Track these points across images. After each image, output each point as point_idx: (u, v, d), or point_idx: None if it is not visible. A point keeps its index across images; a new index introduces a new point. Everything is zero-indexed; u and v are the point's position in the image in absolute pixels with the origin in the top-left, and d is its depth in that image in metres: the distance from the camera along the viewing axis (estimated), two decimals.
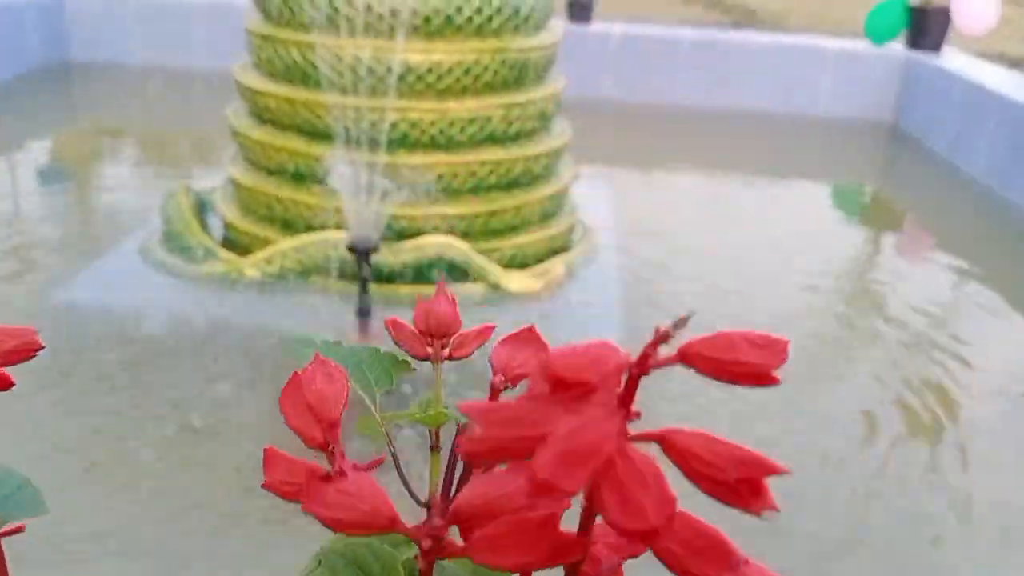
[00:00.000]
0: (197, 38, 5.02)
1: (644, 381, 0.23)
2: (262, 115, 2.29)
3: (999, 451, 1.86)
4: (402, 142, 2.16)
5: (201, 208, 2.48)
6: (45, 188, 3.14)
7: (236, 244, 2.35)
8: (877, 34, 4.93)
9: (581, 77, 4.54)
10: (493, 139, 2.25)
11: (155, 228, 2.46)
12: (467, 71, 2.16)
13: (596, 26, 4.90)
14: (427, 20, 2.10)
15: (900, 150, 4.50)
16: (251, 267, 2.16)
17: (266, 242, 2.23)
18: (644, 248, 2.77)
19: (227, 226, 2.39)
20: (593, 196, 3.07)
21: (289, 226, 2.24)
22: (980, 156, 3.76)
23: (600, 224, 2.81)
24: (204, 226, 2.40)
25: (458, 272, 2.18)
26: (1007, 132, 3.58)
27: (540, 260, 2.37)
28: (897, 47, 4.87)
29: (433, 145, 2.19)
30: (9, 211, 2.85)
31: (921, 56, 4.64)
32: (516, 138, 2.31)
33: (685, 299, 2.42)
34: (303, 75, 2.18)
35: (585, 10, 4.82)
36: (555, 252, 2.44)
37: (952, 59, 4.60)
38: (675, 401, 1.85)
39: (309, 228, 2.19)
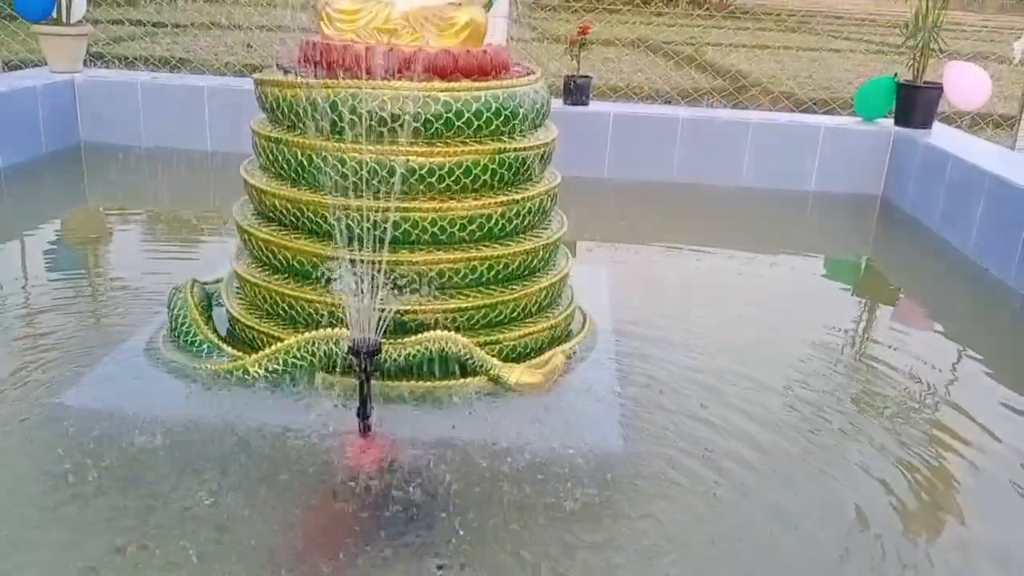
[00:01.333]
0: (203, 120, 5.15)
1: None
2: (268, 214, 2.35)
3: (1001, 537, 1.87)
4: (404, 240, 2.22)
5: (207, 302, 2.53)
6: (54, 274, 3.20)
7: (241, 339, 2.39)
8: (867, 110, 5.06)
9: (579, 157, 4.66)
10: (492, 235, 2.31)
11: (162, 320, 2.50)
12: (467, 172, 2.22)
13: (592, 107, 5.03)
14: (428, 124, 2.18)
15: (892, 225, 4.58)
16: (255, 365, 2.19)
17: (271, 338, 2.27)
18: (643, 329, 2.80)
19: (232, 321, 2.44)
20: (591, 278, 3.12)
21: (293, 322, 2.29)
22: (971, 234, 3.83)
23: (599, 307, 2.85)
24: (210, 320, 2.44)
25: (460, 366, 2.22)
26: (997, 212, 3.65)
27: (541, 351, 2.40)
28: (887, 123, 5.00)
29: (434, 243, 2.24)
30: (18, 300, 2.90)
31: (911, 132, 4.75)
32: (515, 233, 2.37)
33: (685, 383, 2.45)
34: (308, 176, 2.24)
35: (581, 93, 4.95)
36: (556, 341, 2.48)
37: (941, 136, 4.71)
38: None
39: (313, 324, 2.23)
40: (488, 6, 2.52)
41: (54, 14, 5.15)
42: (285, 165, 2.28)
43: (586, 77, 5.00)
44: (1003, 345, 3.07)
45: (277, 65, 2.38)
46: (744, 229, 4.39)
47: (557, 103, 4.92)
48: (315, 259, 2.23)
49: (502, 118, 2.26)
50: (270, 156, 2.33)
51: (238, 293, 2.47)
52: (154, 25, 10.33)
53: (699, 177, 4.98)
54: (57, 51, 5.18)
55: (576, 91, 4.94)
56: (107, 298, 3.01)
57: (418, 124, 2.16)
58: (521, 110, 2.30)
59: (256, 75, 2.38)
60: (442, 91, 2.18)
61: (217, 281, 2.69)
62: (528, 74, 2.42)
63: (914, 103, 4.79)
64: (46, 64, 5.31)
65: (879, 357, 2.82)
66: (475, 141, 2.24)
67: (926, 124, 4.81)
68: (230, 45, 9.11)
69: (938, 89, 4.80)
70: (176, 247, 3.76)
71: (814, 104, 6.19)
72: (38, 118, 4.82)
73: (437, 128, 2.19)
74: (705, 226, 4.43)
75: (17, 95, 4.66)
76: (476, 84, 2.23)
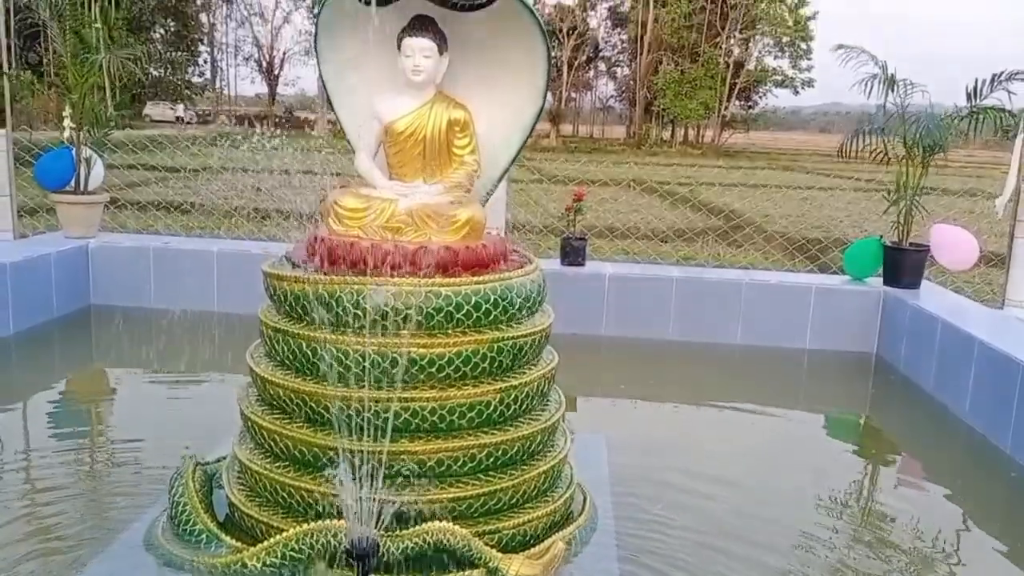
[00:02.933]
0: (212, 283, 5.28)
1: None
2: (272, 402, 2.40)
3: None
4: (404, 430, 2.25)
5: (208, 486, 2.54)
6: (54, 451, 3.21)
7: (240, 526, 2.38)
8: (856, 270, 5.21)
9: (578, 316, 4.75)
10: (491, 422, 2.35)
11: (161, 504, 2.50)
12: (466, 360, 2.29)
13: (589, 267, 5.18)
14: (429, 317, 2.26)
15: (887, 385, 4.61)
16: (253, 558, 2.18)
17: (269, 527, 2.26)
18: (646, 504, 2.80)
19: (231, 507, 2.44)
20: (591, 448, 3.12)
21: (293, 511, 2.29)
22: (965, 398, 3.86)
23: (599, 480, 2.83)
24: (210, 508, 2.44)
25: (459, 559, 2.20)
26: (989, 378, 3.70)
27: (540, 538, 2.39)
28: (876, 283, 5.12)
29: (433, 431, 2.28)
30: (18, 481, 2.90)
31: (900, 293, 4.86)
32: (513, 419, 2.40)
33: (693, 568, 2.43)
34: (311, 367, 2.31)
35: (578, 254, 5.11)
36: (555, 527, 2.46)
37: (930, 297, 4.81)
38: None
39: (312, 514, 2.24)
40: (486, 200, 2.66)
41: (72, 183, 5.39)
42: (290, 355, 2.35)
43: (582, 239, 5.18)
44: (1001, 512, 3.07)
45: (286, 258, 2.50)
46: (741, 389, 4.43)
47: (555, 263, 5.08)
48: (316, 449, 2.26)
49: (500, 308, 2.35)
50: (275, 345, 2.40)
51: (239, 479, 2.48)
52: (167, 170, 10.76)
53: (695, 335, 5.06)
54: (73, 218, 5.37)
55: (573, 252, 5.11)
56: (107, 477, 3.01)
57: (420, 318, 2.24)
58: (518, 300, 2.39)
59: (264, 267, 2.48)
60: (444, 286, 2.27)
61: (220, 460, 2.70)
62: (524, 264, 2.53)
63: (902, 265, 4.93)
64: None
65: (882, 525, 2.83)
66: (474, 331, 2.32)
67: (914, 284, 4.93)
68: (240, 189, 9.45)
69: (924, 251, 4.95)
70: (180, 415, 3.78)
71: (806, 255, 6.36)
72: (51, 284, 4.95)
73: (438, 320, 2.27)
74: (703, 385, 4.48)
75: (31, 264, 4.80)
76: (476, 278, 2.33)
